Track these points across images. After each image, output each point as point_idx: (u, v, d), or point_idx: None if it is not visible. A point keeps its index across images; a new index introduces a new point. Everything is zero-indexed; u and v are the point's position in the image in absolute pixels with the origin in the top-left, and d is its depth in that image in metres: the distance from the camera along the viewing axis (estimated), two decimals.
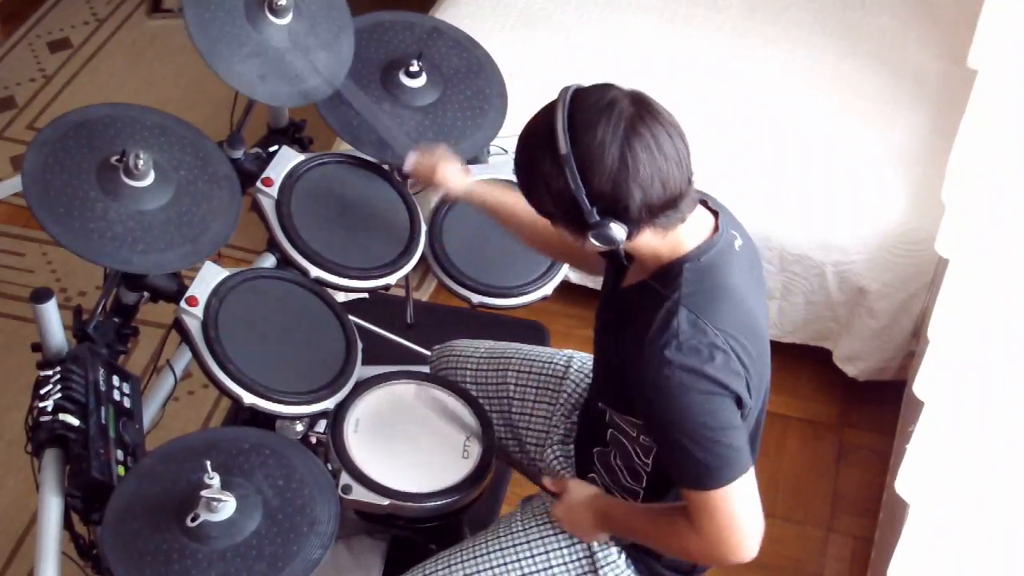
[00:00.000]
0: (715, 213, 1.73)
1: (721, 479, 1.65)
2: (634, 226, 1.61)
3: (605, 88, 1.61)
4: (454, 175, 2.12)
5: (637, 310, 1.69)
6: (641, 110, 1.58)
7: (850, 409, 3.04)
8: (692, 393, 1.62)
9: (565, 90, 1.61)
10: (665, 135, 1.58)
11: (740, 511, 1.67)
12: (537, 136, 1.61)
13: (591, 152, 1.56)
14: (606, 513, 1.88)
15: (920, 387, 1.98)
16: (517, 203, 2.10)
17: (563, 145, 1.56)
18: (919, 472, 1.88)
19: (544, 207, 1.66)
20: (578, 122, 1.57)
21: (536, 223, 2.04)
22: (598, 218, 1.59)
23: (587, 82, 1.64)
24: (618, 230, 1.60)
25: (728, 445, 1.65)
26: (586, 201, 1.57)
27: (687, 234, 1.67)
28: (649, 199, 1.58)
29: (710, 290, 1.66)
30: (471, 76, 2.37)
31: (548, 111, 1.60)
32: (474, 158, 2.39)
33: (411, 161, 2.15)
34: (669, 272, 1.66)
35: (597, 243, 1.62)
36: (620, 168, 1.55)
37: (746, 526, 1.68)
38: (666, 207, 1.61)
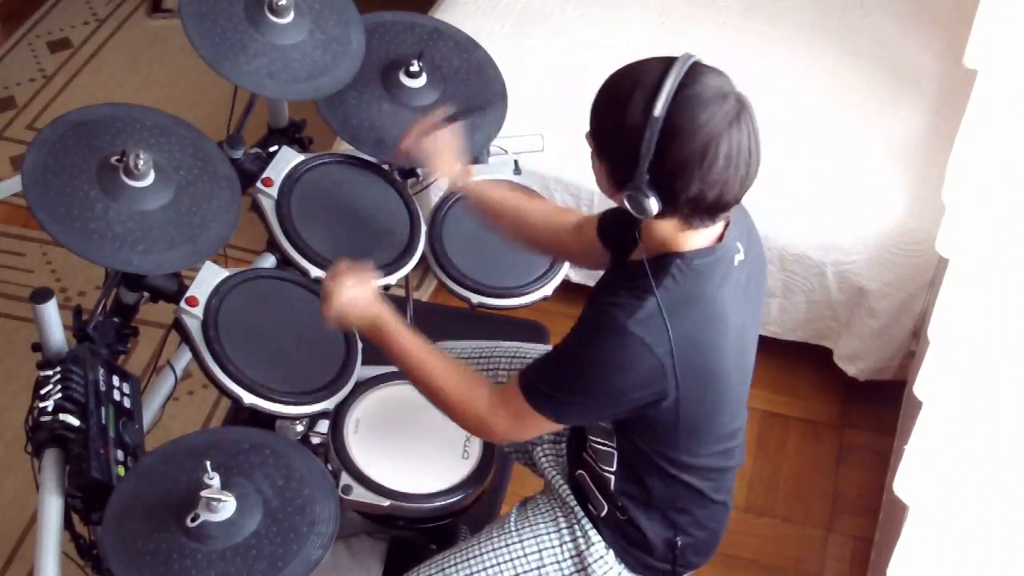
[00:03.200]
0: (726, 223, 1.72)
1: (542, 397, 1.73)
2: (669, 211, 1.62)
3: (721, 77, 1.61)
4: (449, 162, 2.10)
5: (617, 284, 1.71)
6: (742, 116, 1.58)
7: (850, 409, 3.04)
8: (606, 341, 1.65)
9: (686, 57, 1.59)
10: (748, 149, 1.59)
11: (529, 426, 1.77)
12: (639, 83, 1.58)
13: (680, 130, 1.55)
14: (373, 322, 1.89)
15: (920, 387, 1.98)
16: (520, 201, 2.11)
17: (660, 108, 1.55)
18: (918, 473, 1.88)
19: (601, 141, 1.65)
20: (684, 96, 1.55)
21: (537, 221, 2.05)
22: (644, 185, 1.59)
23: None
24: (652, 205, 1.60)
25: (572, 400, 1.71)
26: (646, 165, 1.57)
27: (696, 234, 1.67)
28: (701, 198, 1.59)
29: (689, 294, 1.67)
30: (471, 77, 2.37)
31: (662, 69, 1.58)
32: (474, 158, 2.39)
33: (408, 138, 2.11)
34: (659, 261, 1.67)
35: (628, 204, 1.63)
36: (695, 159, 1.55)
37: (522, 435, 1.86)
38: (708, 212, 1.62)
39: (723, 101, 1.57)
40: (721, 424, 1.81)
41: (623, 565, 1.91)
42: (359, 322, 1.90)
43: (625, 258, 1.81)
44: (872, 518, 2.79)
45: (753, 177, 1.61)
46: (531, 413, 1.74)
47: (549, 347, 2.21)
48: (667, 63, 1.59)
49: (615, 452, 1.84)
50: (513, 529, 1.96)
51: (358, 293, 1.89)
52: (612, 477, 1.86)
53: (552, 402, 1.73)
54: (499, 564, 1.93)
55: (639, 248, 1.76)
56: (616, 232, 1.88)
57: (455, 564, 1.95)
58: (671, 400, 1.68)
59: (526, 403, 1.74)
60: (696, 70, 1.58)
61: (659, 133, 1.55)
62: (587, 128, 1.68)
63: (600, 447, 1.86)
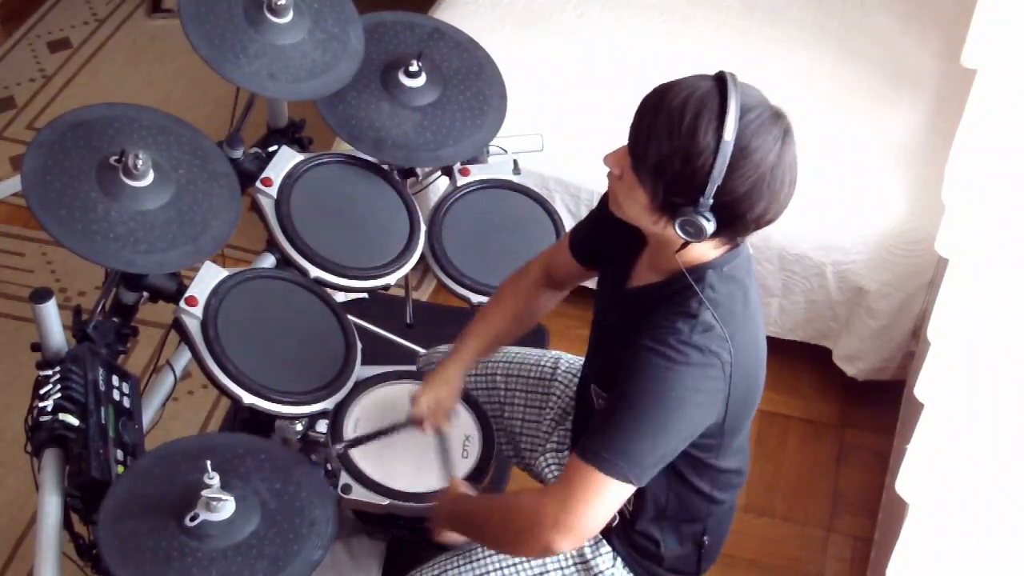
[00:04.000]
0: None
1: (616, 470, 1.60)
2: (726, 232, 1.60)
3: (758, 92, 1.60)
4: (451, 392, 2.02)
5: (651, 311, 1.67)
6: (790, 132, 1.59)
7: (850, 409, 3.04)
8: (673, 383, 1.59)
9: (733, 77, 1.57)
10: (795, 163, 1.60)
11: (600, 502, 1.62)
12: (704, 106, 1.54)
13: (751, 152, 1.54)
14: (452, 510, 1.87)
15: (920, 388, 1.98)
16: (495, 330, 2.04)
17: (730, 131, 1.52)
18: (919, 472, 1.88)
19: (655, 167, 1.56)
20: (749, 119, 1.54)
21: (517, 316, 2.03)
22: (707, 210, 1.56)
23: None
24: (709, 228, 1.57)
25: (652, 449, 1.62)
26: (714, 190, 1.54)
27: (724, 244, 1.67)
28: (765, 215, 1.59)
29: (731, 298, 1.66)
30: (471, 77, 2.37)
31: (719, 88, 1.55)
32: (473, 158, 2.39)
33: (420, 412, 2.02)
34: (693, 275, 1.65)
35: (680, 231, 1.58)
36: (765, 179, 1.55)
37: (591, 517, 1.63)
38: (762, 226, 1.61)
39: (779, 119, 1.58)
40: (745, 432, 1.81)
41: (627, 570, 1.91)
42: (447, 522, 1.89)
43: (623, 285, 1.79)
44: (872, 518, 2.79)
45: (795, 188, 1.62)
46: (600, 489, 1.60)
47: (535, 350, 2.21)
48: (719, 83, 1.57)
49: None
50: None
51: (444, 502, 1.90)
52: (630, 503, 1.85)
53: (623, 466, 1.60)
54: (502, 568, 1.92)
55: (639, 273, 1.76)
56: (595, 250, 1.89)
57: (458, 567, 1.94)
58: (720, 415, 1.67)
59: (599, 478, 1.60)
60: (744, 90, 1.58)
61: (730, 158, 1.53)
62: (618, 147, 1.62)
63: None
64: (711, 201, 1.55)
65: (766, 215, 1.59)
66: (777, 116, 1.58)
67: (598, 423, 1.64)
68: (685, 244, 1.62)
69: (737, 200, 1.55)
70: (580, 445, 1.64)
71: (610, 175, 1.66)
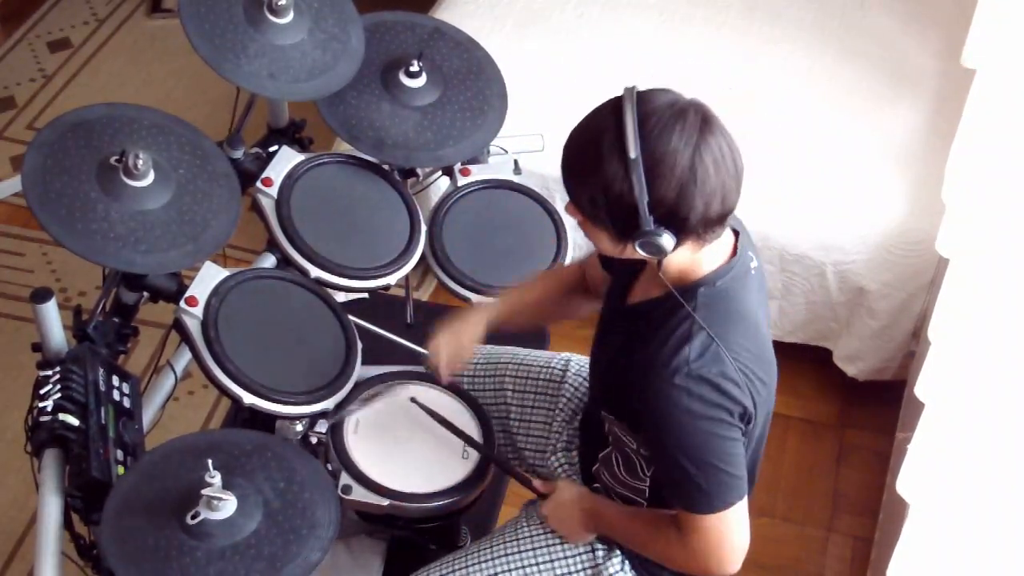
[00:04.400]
0: (736, 233, 1.72)
1: (718, 505, 1.68)
2: (683, 238, 1.59)
3: (670, 93, 1.59)
4: (471, 336, 2.02)
5: (648, 329, 1.68)
6: (708, 121, 1.57)
7: (850, 409, 3.04)
8: (698, 420, 1.62)
9: (630, 91, 1.57)
10: (727, 149, 1.57)
11: (730, 535, 1.70)
12: (601, 136, 1.55)
13: (662, 159, 1.53)
14: (594, 511, 1.88)
15: (921, 388, 1.98)
16: (527, 299, 2.07)
17: (632, 149, 1.52)
18: (919, 472, 1.88)
19: (590, 207, 1.61)
20: (650, 127, 1.53)
21: (556, 295, 2.04)
22: (652, 226, 1.56)
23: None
24: (668, 240, 1.57)
25: (728, 472, 1.66)
26: (647, 208, 1.54)
27: (708, 253, 1.66)
28: (708, 212, 1.57)
29: (725, 315, 1.66)
30: (471, 77, 2.37)
31: (614, 111, 1.56)
32: (474, 158, 2.39)
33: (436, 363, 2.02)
34: (684, 294, 1.65)
35: (642, 251, 1.59)
36: (688, 178, 1.54)
37: (735, 549, 1.72)
38: (719, 222, 1.60)
39: (684, 114, 1.55)
40: (759, 437, 1.81)
41: None
42: (583, 523, 1.90)
43: (625, 299, 1.79)
44: (872, 518, 2.79)
45: (742, 172, 1.60)
46: (717, 520, 1.69)
47: (545, 352, 2.21)
48: (615, 103, 1.57)
49: (647, 488, 1.83)
50: (527, 535, 1.95)
51: (560, 499, 1.91)
52: (644, 503, 1.86)
53: (722, 497, 1.68)
54: (511, 570, 1.92)
55: (639, 288, 1.76)
56: (616, 260, 1.89)
57: (466, 567, 1.94)
58: (749, 416, 1.69)
59: (707, 518, 1.69)
60: (643, 98, 1.57)
61: (644, 172, 1.53)
62: (564, 203, 1.66)
63: (639, 474, 1.84)
64: (651, 217, 1.55)
65: (711, 208, 1.57)
66: (681, 112, 1.55)
67: (676, 479, 1.69)
68: (660, 261, 1.63)
69: (674, 206, 1.55)
70: (679, 503, 1.71)
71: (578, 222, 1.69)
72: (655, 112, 1.55)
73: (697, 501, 1.68)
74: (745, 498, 1.71)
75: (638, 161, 1.52)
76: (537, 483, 1.96)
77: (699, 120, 1.56)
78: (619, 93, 1.60)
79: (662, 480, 1.76)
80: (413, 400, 2.05)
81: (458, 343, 2.01)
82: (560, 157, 1.63)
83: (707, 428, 1.63)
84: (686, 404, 1.61)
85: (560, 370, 2.14)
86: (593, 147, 1.56)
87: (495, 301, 2.08)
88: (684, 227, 1.57)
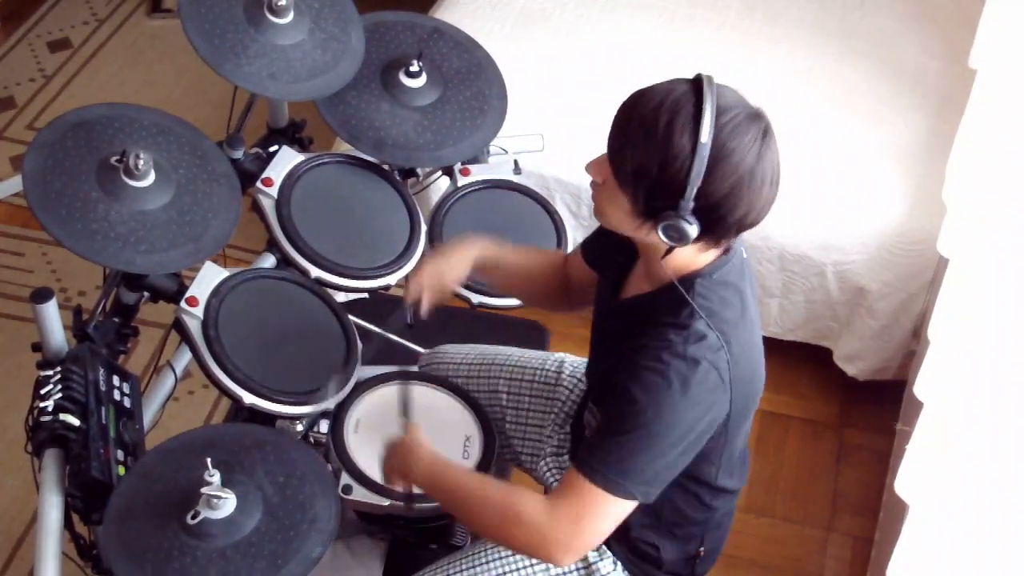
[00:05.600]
0: None
1: (615, 485, 1.61)
2: (708, 235, 1.58)
3: (737, 93, 1.58)
4: (456, 267, 1.99)
5: (643, 324, 1.67)
6: (769, 133, 1.57)
7: (850, 409, 3.04)
8: (672, 401, 1.59)
9: (709, 79, 1.56)
10: (777, 164, 1.58)
11: (599, 520, 1.63)
12: (678, 110, 1.53)
13: (730, 154, 1.52)
14: (428, 470, 1.78)
15: (920, 388, 1.98)
16: (519, 259, 2.05)
17: (706, 133, 1.51)
18: (919, 472, 1.88)
19: (631, 174, 1.56)
20: (725, 120, 1.53)
21: (539, 265, 2.01)
22: (688, 213, 1.55)
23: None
24: (693, 230, 1.56)
25: (654, 468, 1.61)
26: (694, 193, 1.53)
27: (709, 250, 1.66)
28: (745, 219, 1.57)
29: (724, 305, 1.65)
30: (471, 77, 2.37)
31: (693, 92, 1.54)
32: (474, 158, 2.39)
33: (410, 294, 1.98)
34: (683, 283, 1.64)
35: (663, 235, 1.57)
36: (746, 180, 1.53)
37: (590, 537, 1.65)
38: (741, 230, 1.60)
39: (758, 119, 1.56)
40: (743, 437, 1.81)
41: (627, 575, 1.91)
42: (419, 476, 1.80)
43: (618, 295, 1.79)
44: (872, 518, 2.79)
45: (778, 190, 1.60)
46: (603, 501, 1.61)
47: (539, 352, 2.20)
48: (695, 85, 1.56)
49: None
50: None
51: (412, 452, 1.81)
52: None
53: (627, 484, 1.60)
54: (505, 573, 1.92)
55: (632, 283, 1.75)
56: (599, 253, 1.88)
57: (460, 571, 1.94)
58: (724, 421, 1.67)
59: (603, 496, 1.60)
60: (720, 91, 1.56)
61: (708, 160, 1.52)
62: (598, 154, 1.61)
63: None
64: (692, 204, 1.54)
65: (748, 216, 1.57)
66: (755, 116, 1.56)
67: (598, 440, 1.63)
68: (670, 250, 1.61)
69: (718, 202, 1.54)
70: (580, 460, 1.63)
71: (592, 183, 1.66)
72: (732, 108, 1.54)
73: (602, 465, 1.60)
74: (634, 504, 1.63)
75: (707, 147, 1.51)
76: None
77: (765, 129, 1.56)
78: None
79: (591, 437, 1.66)
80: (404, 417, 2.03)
81: (441, 279, 1.97)
82: (616, 115, 1.59)
83: (675, 412, 1.58)
84: (667, 381, 1.57)
85: (554, 372, 2.13)
86: (667, 118, 1.53)
87: (485, 243, 2.01)
88: (715, 226, 1.57)
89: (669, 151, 1.52)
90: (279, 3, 2.14)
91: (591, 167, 1.64)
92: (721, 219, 1.56)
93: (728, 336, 1.63)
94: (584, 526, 1.63)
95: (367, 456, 2.00)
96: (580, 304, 2.03)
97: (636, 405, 1.59)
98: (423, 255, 2.12)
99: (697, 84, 1.56)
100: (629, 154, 1.56)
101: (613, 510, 1.63)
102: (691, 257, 1.65)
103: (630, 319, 1.71)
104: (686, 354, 1.59)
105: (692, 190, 1.53)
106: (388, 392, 2.12)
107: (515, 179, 2.40)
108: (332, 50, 2.22)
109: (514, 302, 2.26)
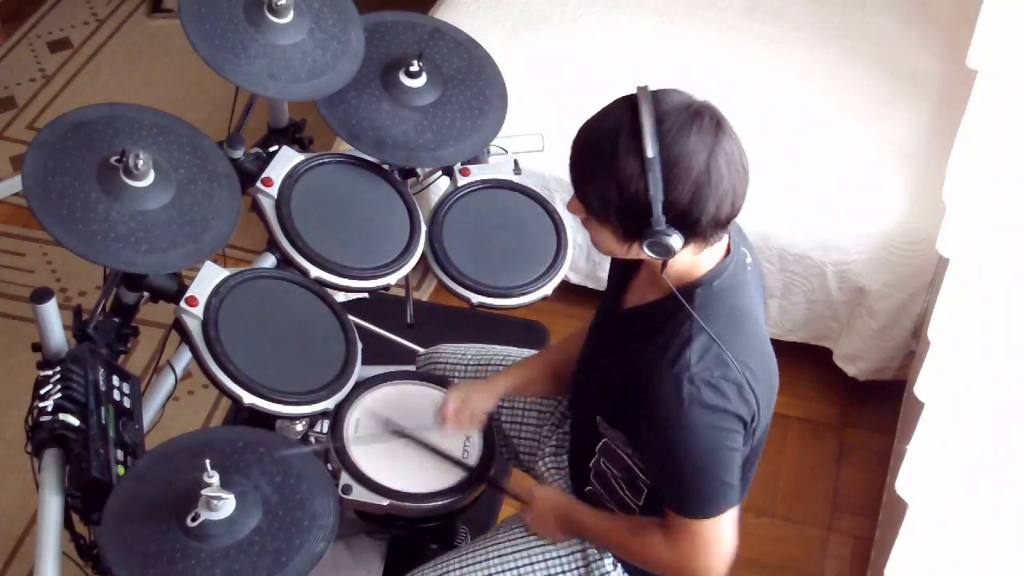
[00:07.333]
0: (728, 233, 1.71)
1: (711, 511, 1.69)
2: (692, 239, 1.59)
3: (682, 94, 1.58)
4: (485, 397, 2.03)
5: (646, 334, 1.68)
6: (721, 124, 1.57)
7: (850, 409, 3.04)
8: (703, 428, 1.62)
9: (644, 90, 1.56)
10: (738, 152, 1.58)
11: (720, 539, 1.72)
12: (617, 133, 1.54)
13: (679, 160, 1.52)
14: (568, 515, 1.89)
15: (921, 388, 1.98)
16: (539, 370, 2.07)
17: (650, 148, 1.51)
18: (919, 472, 1.88)
19: (599, 205, 1.59)
20: (667, 127, 1.53)
21: (557, 367, 2.03)
22: (664, 226, 1.55)
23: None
24: (677, 241, 1.57)
25: (723, 480, 1.67)
26: (660, 208, 1.54)
27: (706, 254, 1.65)
28: (719, 215, 1.57)
29: (725, 316, 1.66)
30: (471, 77, 2.37)
31: (630, 109, 1.55)
32: (474, 158, 2.39)
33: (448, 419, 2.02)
34: (685, 293, 1.65)
35: (650, 252, 1.58)
36: (704, 180, 1.53)
37: (723, 554, 1.74)
38: (726, 224, 1.60)
39: (700, 116, 1.55)
40: (756, 445, 1.81)
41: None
42: (559, 527, 1.92)
43: (620, 304, 1.79)
44: (872, 518, 2.79)
45: (749, 174, 1.60)
46: (710, 525, 1.71)
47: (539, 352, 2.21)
48: (631, 102, 1.56)
49: (646, 489, 1.83)
50: (521, 536, 1.95)
51: (539, 504, 1.93)
52: (637, 509, 1.86)
53: (717, 503, 1.70)
54: (504, 571, 1.92)
55: (634, 292, 1.76)
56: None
57: (459, 568, 1.94)
58: (753, 419, 1.69)
59: (710, 522, 1.71)
60: (659, 97, 1.56)
61: (661, 172, 1.52)
62: (566, 201, 1.64)
63: (637, 480, 1.84)
64: (663, 217, 1.55)
65: (721, 211, 1.57)
66: (697, 113, 1.55)
67: (668, 485, 1.72)
68: (665, 262, 1.62)
69: (687, 208, 1.55)
70: (673, 508, 1.72)
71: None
72: (671, 112, 1.54)
73: (692, 506, 1.70)
74: (737, 505, 1.72)
75: (656, 161, 1.52)
76: (516, 490, 1.98)
77: (713, 122, 1.55)
78: (620, 93, 1.60)
79: (659, 485, 1.76)
80: (395, 431, 2.04)
81: (468, 401, 2.01)
82: (569, 153, 1.61)
83: (710, 436, 1.63)
84: (691, 413, 1.61)
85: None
86: (608, 144, 1.55)
87: (511, 370, 2.08)
88: (694, 229, 1.57)
89: (622, 175, 1.54)
90: (279, 3, 2.14)
91: (570, 206, 1.67)
92: (696, 222, 1.56)
93: (730, 343, 1.64)
94: (712, 550, 1.73)
95: (367, 456, 2.00)
96: None
97: (676, 447, 1.65)
98: (427, 266, 2.12)
99: (631, 100, 1.56)
100: (588, 189, 1.60)
101: (725, 522, 1.72)
102: (690, 263, 1.65)
103: (632, 327, 1.73)
104: (702, 377, 1.61)
105: (658, 205, 1.54)
106: (388, 392, 2.13)
107: (515, 179, 2.40)
108: (332, 50, 2.22)
109: (514, 302, 2.27)
